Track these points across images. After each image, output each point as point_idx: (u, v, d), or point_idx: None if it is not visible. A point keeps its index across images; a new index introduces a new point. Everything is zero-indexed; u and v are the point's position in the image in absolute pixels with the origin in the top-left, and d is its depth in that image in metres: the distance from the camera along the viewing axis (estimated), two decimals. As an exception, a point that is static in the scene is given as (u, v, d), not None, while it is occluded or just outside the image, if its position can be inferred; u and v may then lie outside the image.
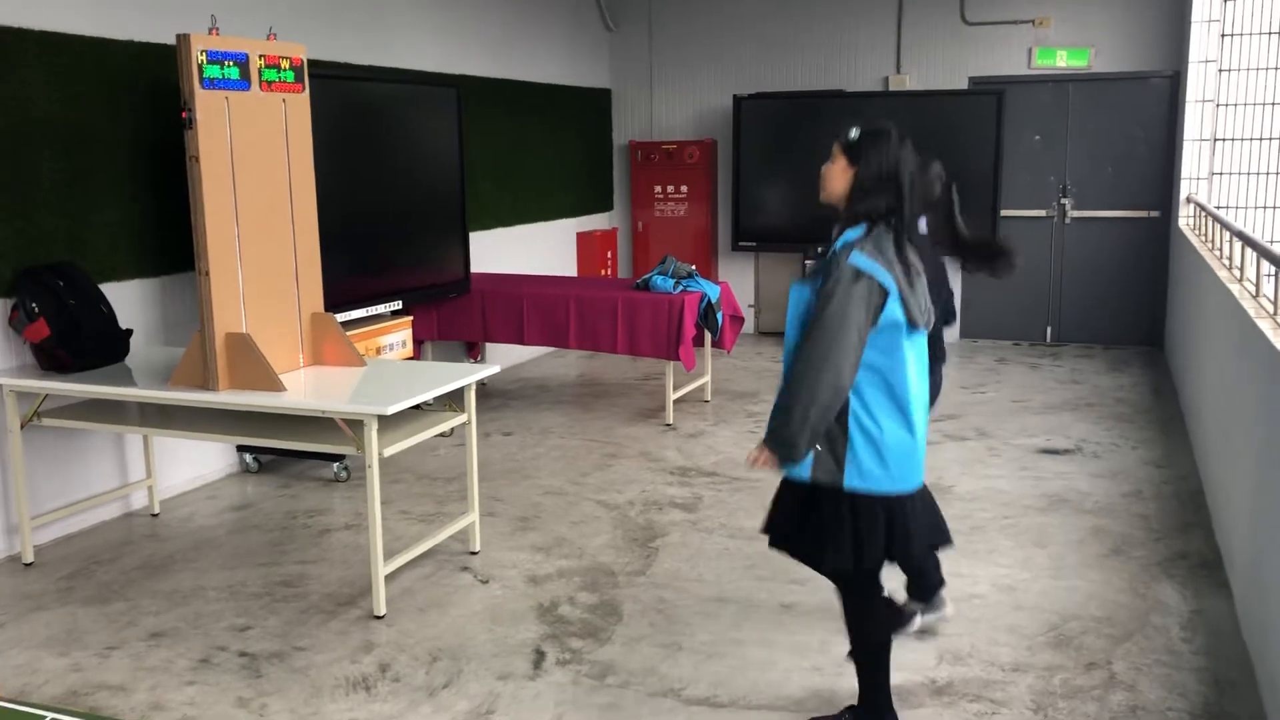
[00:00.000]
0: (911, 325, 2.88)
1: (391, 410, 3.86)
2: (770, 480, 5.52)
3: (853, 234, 2.88)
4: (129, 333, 4.72)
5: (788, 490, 3.06)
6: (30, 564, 4.54)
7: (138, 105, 5.06)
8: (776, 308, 9.76)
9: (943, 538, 3.33)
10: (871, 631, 3.13)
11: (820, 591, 4.07)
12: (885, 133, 2.98)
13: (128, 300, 5.07)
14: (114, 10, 4.97)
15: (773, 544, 3.14)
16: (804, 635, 3.81)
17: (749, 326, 9.72)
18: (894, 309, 2.83)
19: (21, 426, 4.47)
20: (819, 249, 3.04)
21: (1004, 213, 8.73)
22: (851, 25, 9.21)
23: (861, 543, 2.93)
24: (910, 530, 2.98)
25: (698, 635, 3.83)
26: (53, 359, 4.46)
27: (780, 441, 2.86)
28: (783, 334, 9.52)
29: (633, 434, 6.49)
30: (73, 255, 4.79)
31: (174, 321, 5.34)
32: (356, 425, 3.93)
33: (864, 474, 2.89)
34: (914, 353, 2.94)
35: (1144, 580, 4.25)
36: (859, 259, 2.81)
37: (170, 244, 5.18)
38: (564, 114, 9.16)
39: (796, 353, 2.84)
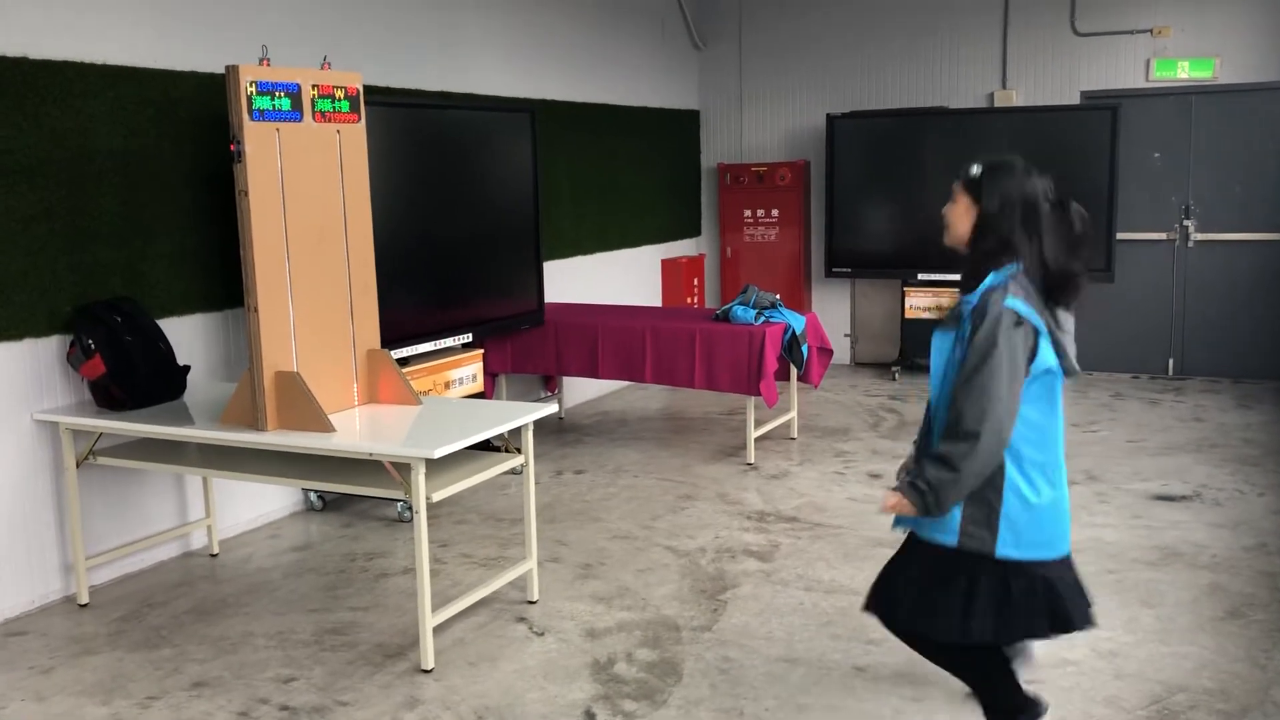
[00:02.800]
0: (1065, 371, 2.78)
1: (438, 454, 3.81)
2: (856, 525, 5.41)
3: (997, 277, 2.77)
4: (186, 369, 4.78)
5: (918, 557, 2.91)
6: (85, 605, 4.61)
7: (198, 137, 5.15)
8: (874, 337, 9.53)
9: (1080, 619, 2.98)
10: (1015, 706, 2.97)
11: (896, 653, 3.87)
12: (1009, 166, 2.86)
13: (188, 335, 5.15)
14: (176, 42, 5.07)
15: (889, 622, 3.01)
16: (875, 703, 3.62)
17: (844, 357, 9.51)
18: (1047, 355, 2.73)
19: (78, 465, 4.55)
20: (958, 299, 2.95)
21: (1121, 236, 8.37)
22: (953, 38, 8.98)
23: (1008, 616, 2.78)
24: (1064, 601, 2.82)
25: (762, 700, 3.67)
26: (108, 396, 4.54)
27: (929, 491, 2.74)
28: (881, 364, 9.36)
29: (711, 473, 6.36)
30: (131, 289, 4.87)
31: (236, 357, 5.40)
32: (405, 468, 3.89)
33: (1019, 540, 2.75)
34: (1060, 402, 2.83)
35: (1265, 648, 3.94)
36: (1013, 302, 2.71)
37: (231, 277, 5.24)
38: (649, 136, 9.11)
39: (952, 404, 2.74)
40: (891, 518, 2.97)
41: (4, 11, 4.41)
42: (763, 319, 6.52)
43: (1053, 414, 2.81)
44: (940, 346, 2.87)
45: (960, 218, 2.88)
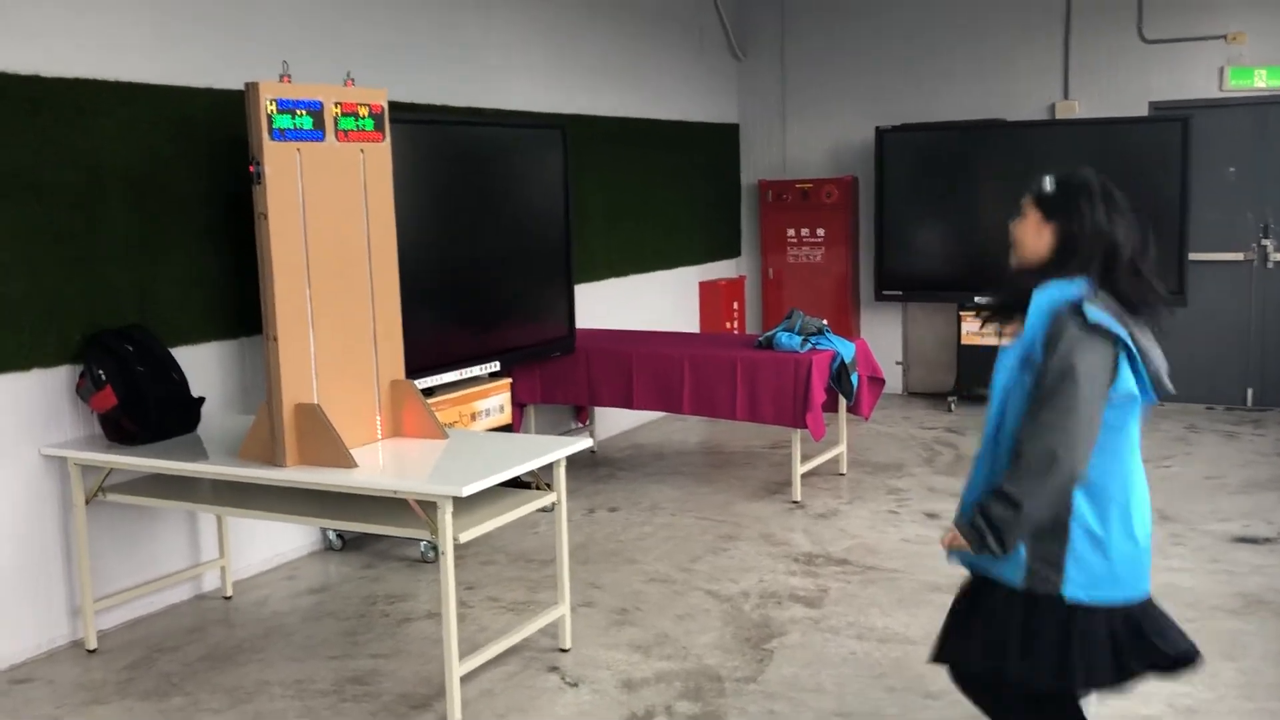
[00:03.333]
0: (1153, 392, 2.75)
1: (467, 491, 3.84)
2: (911, 569, 5.37)
3: (1072, 288, 2.74)
4: (201, 401, 4.84)
5: (981, 598, 2.89)
6: (93, 650, 4.66)
7: (214, 156, 5.23)
8: (928, 365, 9.50)
9: (1181, 653, 2.92)
10: None
11: (957, 707, 3.84)
12: (1083, 180, 2.85)
13: (203, 365, 5.22)
14: (192, 58, 5.16)
15: (955, 671, 3.00)
16: (936, 763, 3.60)
17: (896, 386, 9.48)
18: (1128, 377, 2.70)
19: (87, 502, 4.61)
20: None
21: (1193, 257, 8.31)
22: (1011, 46, 8.98)
23: (1076, 663, 2.76)
24: (1140, 648, 2.79)
25: (812, 757, 3.66)
26: (119, 430, 4.60)
27: (990, 530, 2.72)
28: (936, 394, 9.32)
29: (754, 512, 6.35)
30: (144, 316, 4.95)
31: (252, 387, 5.46)
32: (431, 506, 3.92)
33: (1089, 581, 2.73)
34: (1138, 430, 2.80)
35: (1360, 706, 3.89)
36: (1094, 313, 2.68)
37: (249, 303, 5.30)
38: (686, 152, 9.16)
39: (1020, 429, 2.72)
40: (950, 556, 2.95)
41: (17, 29, 4.52)
42: (809, 346, 6.52)
43: (1130, 443, 2.78)
44: (1003, 366, 2.85)
45: (1030, 235, 2.88)
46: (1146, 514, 2.83)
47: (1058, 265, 2.81)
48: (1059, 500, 2.70)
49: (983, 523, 2.75)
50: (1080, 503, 2.75)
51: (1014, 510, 2.70)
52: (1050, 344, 2.70)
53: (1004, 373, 2.84)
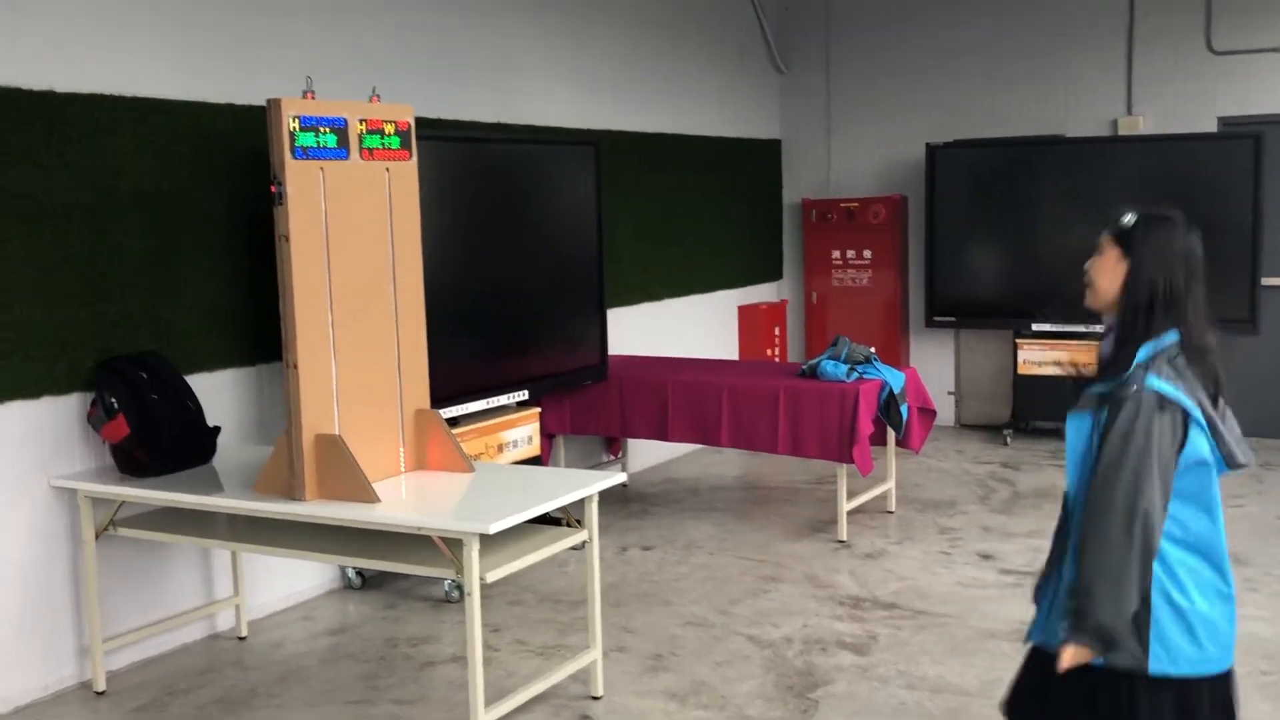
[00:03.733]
0: (1226, 462, 2.72)
1: (494, 529, 3.83)
2: (964, 614, 5.33)
3: (1146, 351, 2.72)
4: (216, 431, 4.87)
5: (1061, 675, 2.84)
6: (102, 693, 4.67)
7: (234, 174, 5.28)
8: (982, 396, 9.42)
9: None
10: None
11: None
12: (1168, 220, 2.81)
13: (218, 393, 5.25)
14: (211, 73, 5.23)
15: None
16: (994, 825, 3.54)
17: (948, 418, 9.42)
18: (1199, 444, 2.67)
19: (96, 536, 4.64)
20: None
21: (1266, 281, 8.22)
22: (1071, 58, 8.94)
23: None
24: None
25: (860, 817, 3.61)
26: (131, 461, 4.63)
27: (1093, 630, 2.67)
28: (991, 427, 9.25)
29: (797, 552, 6.30)
30: (158, 342, 4.99)
31: (270, 417, 5.49)
32: (456, 544, 3.92)
33: (1173, 655, 2.69)
34: (1217, 493, 2.77)
35: None
36: (1156, 383, 2.65)
37: (267, 329, 5.34)
38: (725, 169, 9.17)
39: (1089, 506, 2.69)
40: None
41: (30, 42, 4.59)
42: (855, 375, 6.48)
43: (1207, 509, 2.73)
44: (1077, 433, 2.81)
45: (1107, 274, 2.83)
46: (1230, 581, 2.79)
47: (1128, 309, 2.77)
48: (1145, 570, 2.65)
49: (1089, 626, 2.69)
50: (1159, 574, 2.70)
51: (1105, 595, 2.65)
52: (1116, 407, 2.66)
53: (1076, 442, 2.79)
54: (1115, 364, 2.76)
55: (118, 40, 4.88)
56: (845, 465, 6.42)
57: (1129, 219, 2.83)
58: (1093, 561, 2.66)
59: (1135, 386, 2.65)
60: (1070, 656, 2.73)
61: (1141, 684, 2.71)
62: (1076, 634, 2.69)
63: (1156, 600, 2.69)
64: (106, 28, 4.84)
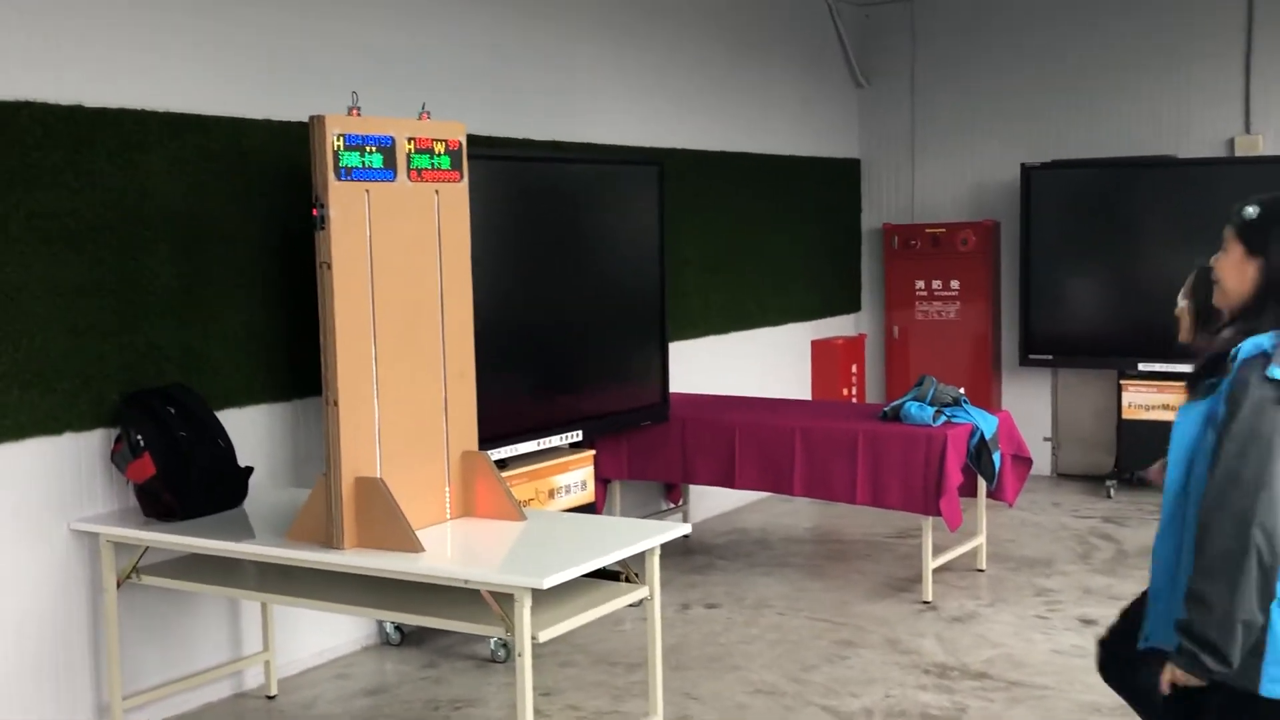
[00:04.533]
0: None
1: (548, 583, 3.87)
2: (1064, 685, 5.28)
3: (1266, 340, 2.74)
4: (248, 471, 4.95)
5: (1167, 700, 2.85)
6: (120, 753, 4.76)
7: (272, 196, 5.40)
8: (1082, 442, 9.35)
9: None
10: None
11: None
12: None
13: (251, 430, 5.35)
14: (247, 86, 5.36)
15: None
16: None
17: (1043, 468, 9.35)
18: None
19: (119, 584, 4.73)
20: (1201, 363, 2.93)
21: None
22: (1182, 72, 8.89)
23: None
24: None
25: None
26: (157, 503, 4.72)
27: (1202, 646, 2.67)
28: (1092, 477, 9.17)
29: (877, 613, 6.29)
30: (187, 375, 5.10)
31: (306, 456, 5.59)
32: (506, 599, 3.96)
33: None
34: None
35: None
36: (1278, 372, 2.67)
37: (304, 362, 5.42)
38: (799, 191, 9.21)
39: (1204, 512, 2.70)
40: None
41: (56, 55, 4.72)
42: (943, 419, 6.47)
43: None
44: (1190, 422, 2.82)
45: (1233, 271, 2.85)
46: None
47: (1256, 312, 2.79)
48: (1264, 586, 2.64)
49: (1191, 643, 2.69)
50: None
51: (1219, 614, 2.64)
52: (1234, 403, 2.68)
53: (1186, 432, 2.80)
54: (1229, 353, 2.77)
55: (149, 51, 5.02)
56: (931, 518, 6.40)
57: (1251, 209, 2.85)
58: (1207, 570, 2.65)
59: (1256, 379, 2.65)
60: (1170, 679, 2.73)
61: (1249, 704, 2.69)
62: (1182, 657, 2.69)
63: (1274, 611, 2.67)
64: (137, 38, 4.98)
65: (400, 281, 4.46)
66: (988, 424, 6.58)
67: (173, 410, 4.82)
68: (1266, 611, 2.68)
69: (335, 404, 4.27)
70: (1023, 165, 8.99)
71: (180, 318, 5.11)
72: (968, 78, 9.64)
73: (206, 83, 5.21)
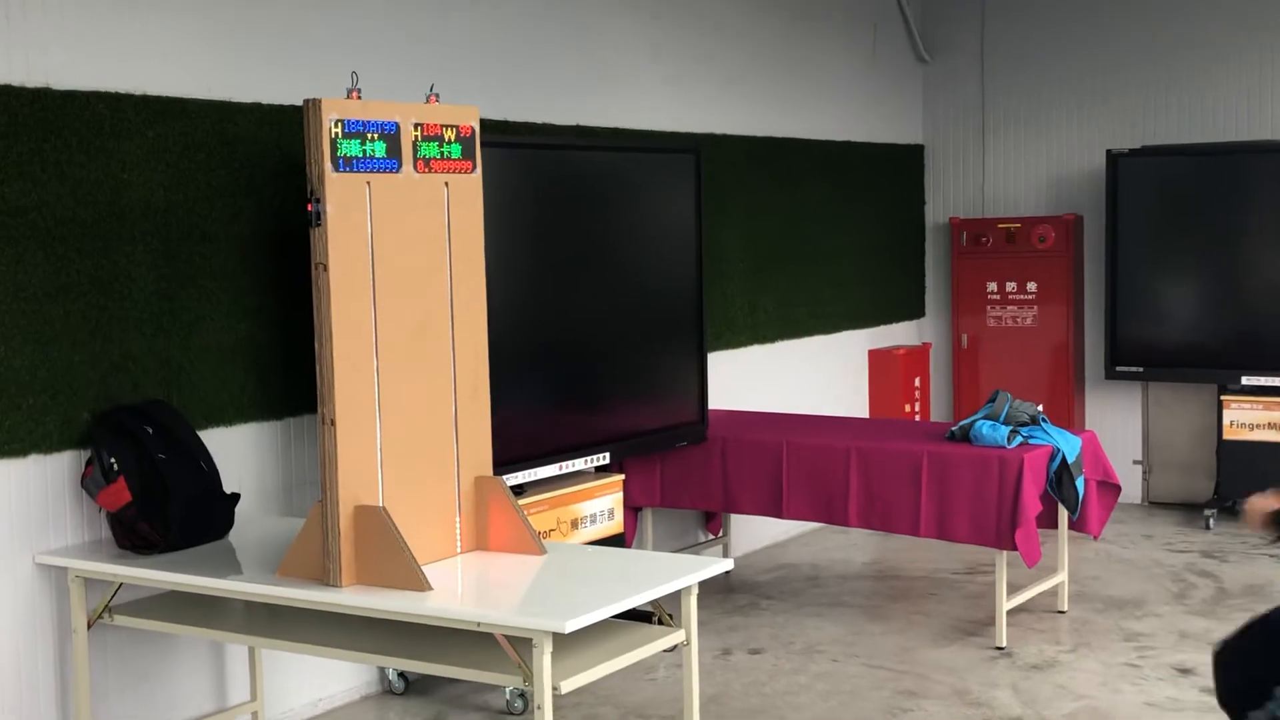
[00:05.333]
0: None
1: (571, 626, 3.86)
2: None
3: None
4: (235, 498, 4.96)
5: None
6: (91, 815, 4.76)
7: (262, 189, 5.42)
8: (1176, 466, 9.28)
9: None
10: None
11: None
12: None
13: (238, 452, 5.36)
14: (235, 66, 5.37)
15: None
16: None
17: (1134, 494, 9.28)
18: None
19: (89, 625, 4.74)
20: None
21: None
22: (1290, 44, 8.84)
23: None
24: None
25: None
26: (133, 534, 4.73)
27: None
28: (1189, 505, 9.08)
29: (943, 660, 6.26)
30: (167, 390, 5.11)
31: (299, 483, 5.60)
32: (524, 644, 3.94)
33: None
34: None
35: None
36: None
37: (297, 376, 5.45)
38: (854, 182, 9.19)
39: None
40: None
41: (23, 32, 4.74)
42: (1018, 440, 6.43)
43: None
44: None
45: None
46: None
47: None
48: None
49: None
50: None
51: None
52: None
53: None
54: None
55: (124, 28, 5.03)
56: (1005, 553, 6.35)
57: None
58: None
59: None
60: None
61: None
62: None
63: None
64: (111, 13, 5.00)
65: (406, 285, 4.46)
66: (1070, 446, 6.53)
67: (150, 430, 4.83)
68: None
69: (332, 423, 4.27)
70: (1108, 152, 8.94)
71: (159, 325, 5.12)
72: (1046, 51, 9.59)
73: (189, 62, 5.23)
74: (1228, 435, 8.54)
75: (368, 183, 4.32)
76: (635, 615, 4.38)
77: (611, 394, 6.46)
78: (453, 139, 4.59)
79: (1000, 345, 9.52)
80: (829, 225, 8.91)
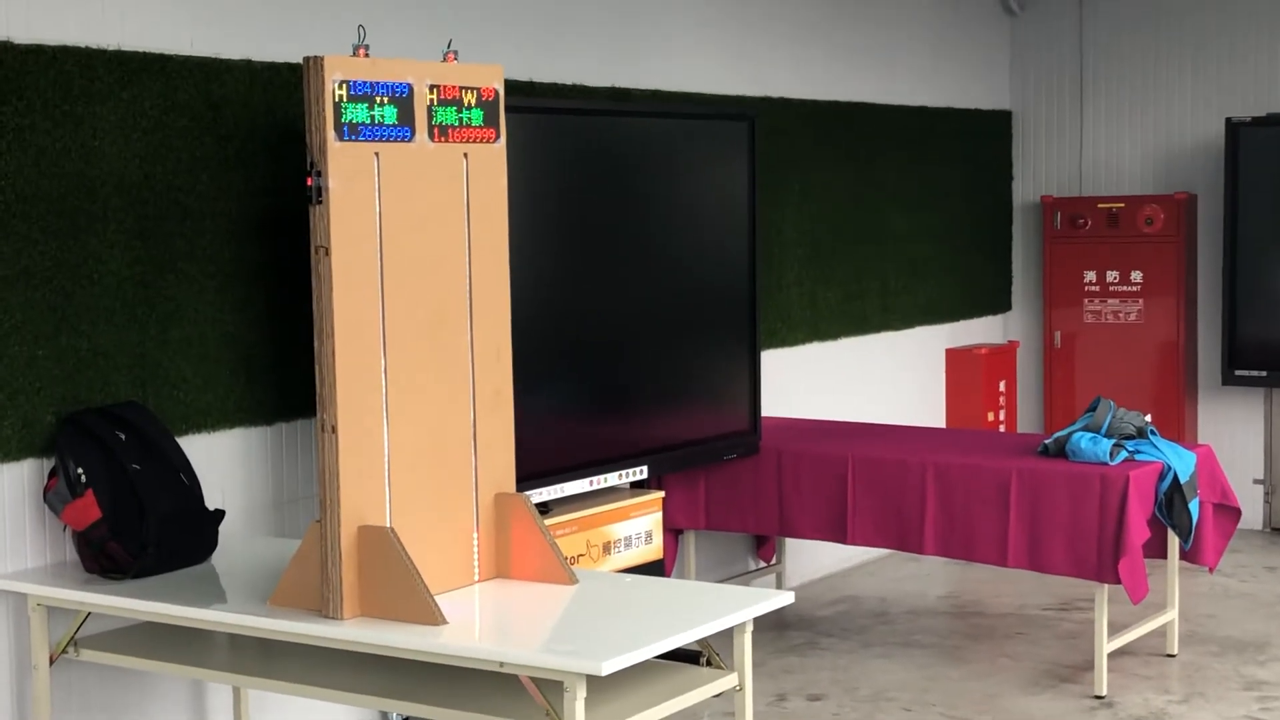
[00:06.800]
0: None
1: (608, 669, 3.85)
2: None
3: None
4: (220, 516, 4.97)
5: None
6: None
7: (253, 160, 5.43)
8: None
9: None
10: None
11: None
12: None
13: (224, 462, 5.37)
14: (223, 19, 5.38)
15: None
16: None
17: (1254, 520, 9.24)
18: None
19: (51, 660, 4.75)
20: None
21: None
22: None
23: None
24: None
25: None
26: (103, 556, 4.74)
27: None
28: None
29: (1034, 711, 6.26)
30: (142, 391, 5.12)
31: (295, 497, 5.62)
32: (553, 688, 3.94)
33: None
34: None
35: None
36: None
37: (294, 376, 5.47)
38: (930, 153, 9.18)
39: None
40: None
41: (-17, -23, 4.77)
42: (1123, 455, 6.41)
43: None
44: None
45: None
46: None
47: None
48: None
49: None
50: None
51: None
52: None
53: None
54: None
55: (98, -26, 5.06)
56: (1107, 586, 6.34)
57: None
58: None
59: None
60: None
61: None
62: None
63: None
64: (84, -44, 5.02)
65: (419, 272, 4.46)
66: (1182, 462, 6.50)
67: (123, 436, 4.84)
68: None
69: (333, 430, 4.27)
70: (1228, 121, 8.93)
71: (133, 316, 5.12)
72: (1155, 2, 9.55)
73: (170, 13, 5.24)
74: (1366, 451, 8.52)
75: (376, 153, 4.32)
76: (679, 655, 4.38)
77: (650, 398, 6.46)
78: (473, 103, 4.58)
79: (1100, 345, 9.49)
80: (902, 204, 8.90)
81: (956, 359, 9.37)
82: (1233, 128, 8.87)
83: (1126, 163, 9.69)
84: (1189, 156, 9.47)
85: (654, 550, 6.33)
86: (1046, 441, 6.68)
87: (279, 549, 5.03)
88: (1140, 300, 9.39)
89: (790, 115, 7.98)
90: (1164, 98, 9.55)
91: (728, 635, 4.37)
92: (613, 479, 6.17)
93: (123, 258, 5.10)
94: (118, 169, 5.08)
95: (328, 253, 4.24)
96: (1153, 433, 6.64)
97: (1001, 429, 9.40)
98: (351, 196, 4.27)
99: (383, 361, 4.38)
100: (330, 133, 4.21)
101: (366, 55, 4.35)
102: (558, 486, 5.86)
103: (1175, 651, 6.93)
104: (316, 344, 4.29)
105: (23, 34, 4.83)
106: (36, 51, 4.87)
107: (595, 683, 3.96)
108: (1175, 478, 6.43)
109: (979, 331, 9.67)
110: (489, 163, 4.67)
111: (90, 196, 5.01)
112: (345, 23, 4.84)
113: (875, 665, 6.85)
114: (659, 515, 6.36)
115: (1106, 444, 6.43)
